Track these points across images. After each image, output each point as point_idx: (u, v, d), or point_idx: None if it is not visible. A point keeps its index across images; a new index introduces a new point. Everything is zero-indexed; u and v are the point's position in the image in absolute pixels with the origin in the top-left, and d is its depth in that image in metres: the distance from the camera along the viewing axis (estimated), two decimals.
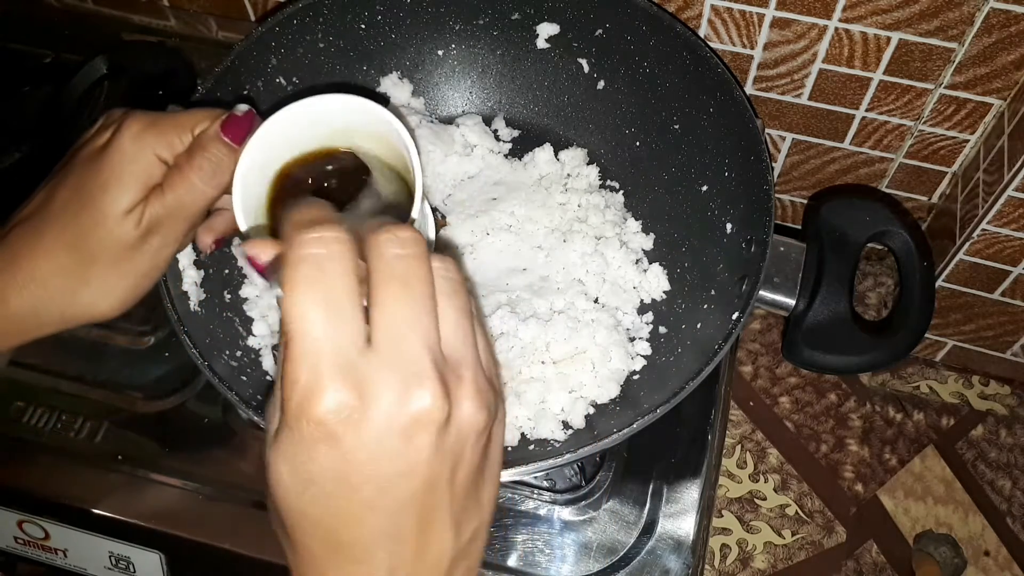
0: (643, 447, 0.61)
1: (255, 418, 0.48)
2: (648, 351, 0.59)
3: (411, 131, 0.44)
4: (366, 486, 0.28)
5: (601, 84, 0.66)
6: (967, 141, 0.66)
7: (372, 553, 0.29)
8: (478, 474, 0.31)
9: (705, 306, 0.58)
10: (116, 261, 0.43)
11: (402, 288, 0.28)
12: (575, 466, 0.61)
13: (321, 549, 0.29)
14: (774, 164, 0.75)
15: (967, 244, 0.65)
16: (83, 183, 0.42)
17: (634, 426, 0.47)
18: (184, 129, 0.43)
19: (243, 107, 0.44)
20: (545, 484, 0.60)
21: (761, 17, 0.61)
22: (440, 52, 0.67)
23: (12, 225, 0.43)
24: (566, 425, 0.55)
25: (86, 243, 0.42)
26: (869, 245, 0.58)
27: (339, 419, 0.27)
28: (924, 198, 0.73)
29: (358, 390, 0.27)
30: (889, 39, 0.60)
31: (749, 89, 0.68)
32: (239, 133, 0.42)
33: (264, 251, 0.30)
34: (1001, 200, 0.60)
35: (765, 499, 0.73)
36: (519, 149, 0.67)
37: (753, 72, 0.66)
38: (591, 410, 0.56)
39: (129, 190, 0.42)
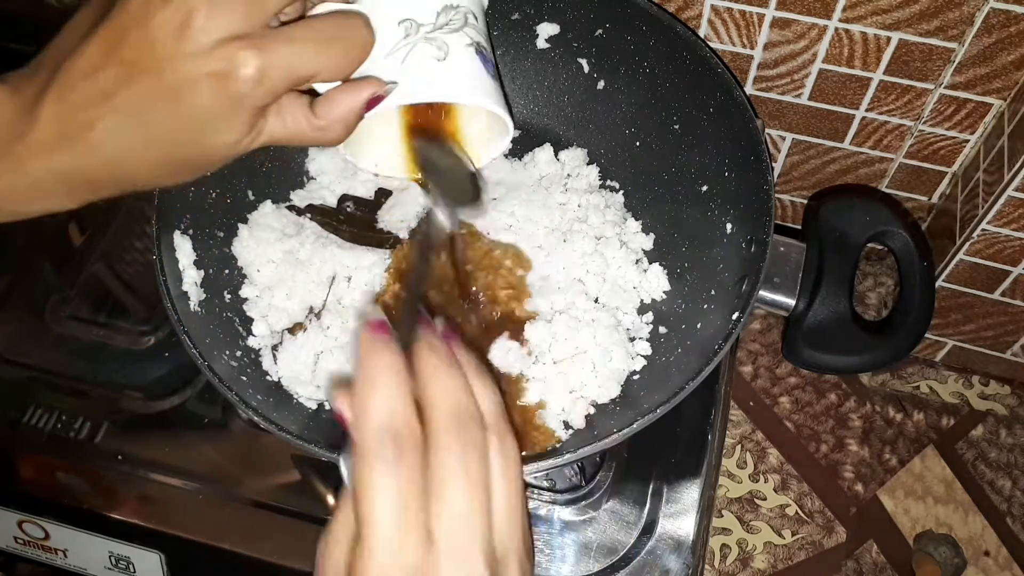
0: (643, 447, 0.61)
1: (255, 418, 0.48)
2: (648, 351, 0.59)
3: None
4: None
5: (601, 84, 0.66)
6: (967, 141, 0.66)
7: None
8: None
9: (705, 306, 0.58)
10: (210, 168, 0.41)
11: (464, 482, 0.31)
12: (575, 466, 0.61)
13: None
14: (774, 164, 0.75)
15: (967, 244, 0.65)
16: (186, 108, 0.36)
17: (634, 426, 0.47)
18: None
19: (392, 87, 0.41)
20: (545, 484, 0.60)
21: (761, 17, 0.61)
22: None
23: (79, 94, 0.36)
24: (566, 425, 0.55)
25: (177, 163, 0.39)
26: (869, 245, 0.58)
27: None
28: (924, 198, 0.73)
29: None
30: (889, 39, 0.60)
31: (749, 89, 0.68)
32: (377, 103, 0.40)
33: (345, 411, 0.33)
34: (1001, 200, 0.60)
35: (765, 499, 0.73)
36: (519, 149, 0.67)
37: (753, 72, 0.66)
38: (591, 410, 0.56)
39: (247, 130, 0.38)
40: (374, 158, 0.49)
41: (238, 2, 0.34)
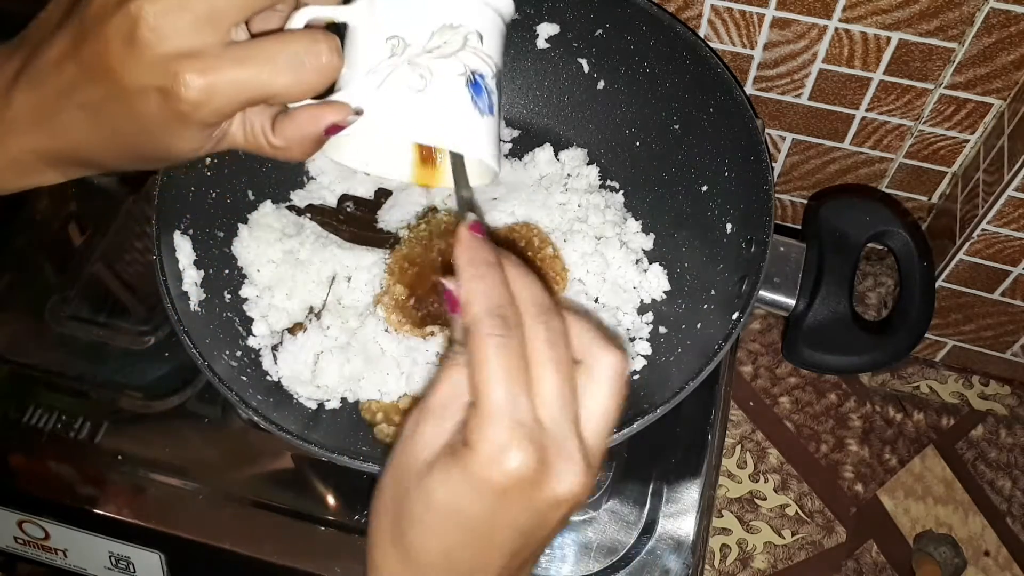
0: (643, 447, 0.61)
1: (255, 418, 0.48)
2: (648, 351, 0.59)
3: None
4: (502, 534, 0.33)
5: (601, 84, 0.66)
6: (967, 141, 0.66)
7: None
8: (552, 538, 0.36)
9: (705, 306, 0.58)
10: (189, 160, 0.40)
11: (556, 371, 0.33)
12: None
13: (435, 570, 0.34)
14: (774, 164, 0.75)
15: (967, 244, 0.65)
16: (139, 118, 0.36)
17: (634, 426, 0.47)
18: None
19: (353, 119, 0.40)
20: None
21: (761, 17, 0.61)
22: None
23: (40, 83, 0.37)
24: None
25: (144, 159, 0.39)
26: (869, 245, 0.58)
27: (519, 478, 0.31)
28: (924, 198, 0.73)
29: (538, 459, 0.32)
30: (889, 39, 0.60)
31: (749, 89, 0.68)
32: (338, 129, 0.39)
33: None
34: (1001, 200, 0.60)
35: (765, 499, 0.73)
36: (519, 149, 0.67)
37: (753, 72, 0.66)
38: None
39: (203, 139, 0.37)
40: (365, 158, 0.47)
41: (188, 17, 0.33)
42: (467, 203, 0.39)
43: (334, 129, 0.39)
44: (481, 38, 0.41)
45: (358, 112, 0.39)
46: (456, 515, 0.32)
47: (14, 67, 0.38)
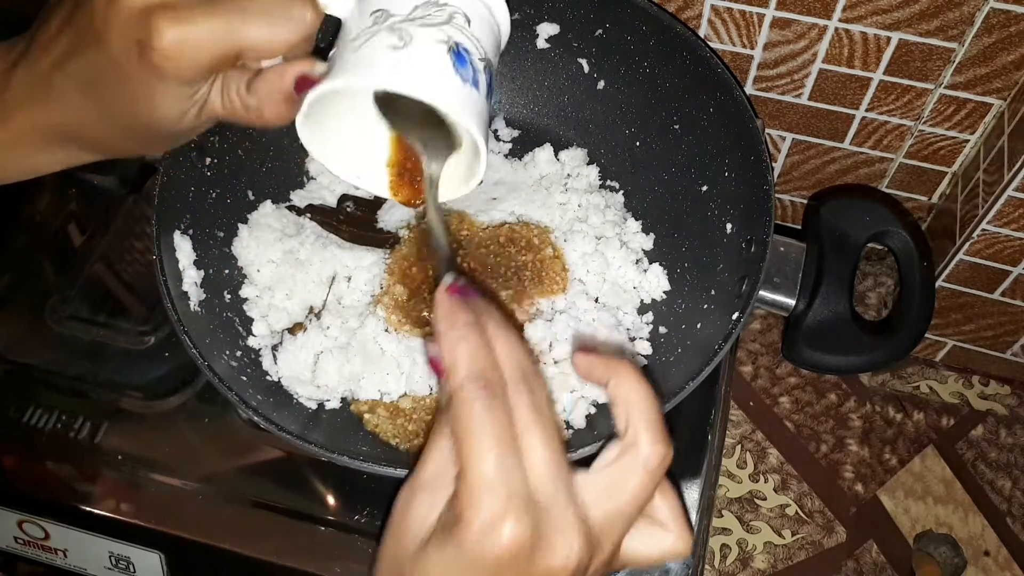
0: None
1: (255, 418, 0.48)
2: (648, 351, 0.59)
3: None
4: None
5: (601, 84, 0.66)
6: (967, 141, 0.66)
7: None
8: None
9: (705, 306, 0.58)
10: (172, 137, 0.41)
11: (543, 437, 0.32)
12: None
13: None
14: (774, 164, 0.75)
15: (967, 244, 0.65)
16: (125, 83, 0.37)
17: None
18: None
19: (321, 68, 0.39)
20: None
21: (761, 17, 0.61)
22: None
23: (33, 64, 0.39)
24: (567, 425, 0.55)
25: (134, 131, 0.39)
26: (869, 245, 0.58)
27: (513, 554, 0.30)
28: (924, 198, 0.73)
29: (532, 529, 0.30)
30: (889, 39, 0.60)
31: (749, 89, 0.68)
32: (309, 85, 0.39)
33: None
34: (1001, 200, 0.60)
35: (765, 499, 0.73)
36: (519, 149, 0.67)
37: (753, 72, 0.66)
38: (592, 410, 0.56)
39: (184, 100, 0.38)
40: (356, 171, 0.47)
41: None
42: (445, 258, 0.39)
43: (304, 83, 0.39)
44: (468, 20, 0.40)
45: (327, 64, 0.39)
46: None
47: (17, 52, 0.39)
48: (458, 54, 0.39)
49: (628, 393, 0.34)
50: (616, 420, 0.34)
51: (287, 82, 0.38)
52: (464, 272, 0.53)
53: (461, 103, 0.39)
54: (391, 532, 0.34)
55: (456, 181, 0.45)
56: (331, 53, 0.40)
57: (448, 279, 0.35)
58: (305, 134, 0.42)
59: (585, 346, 0.35)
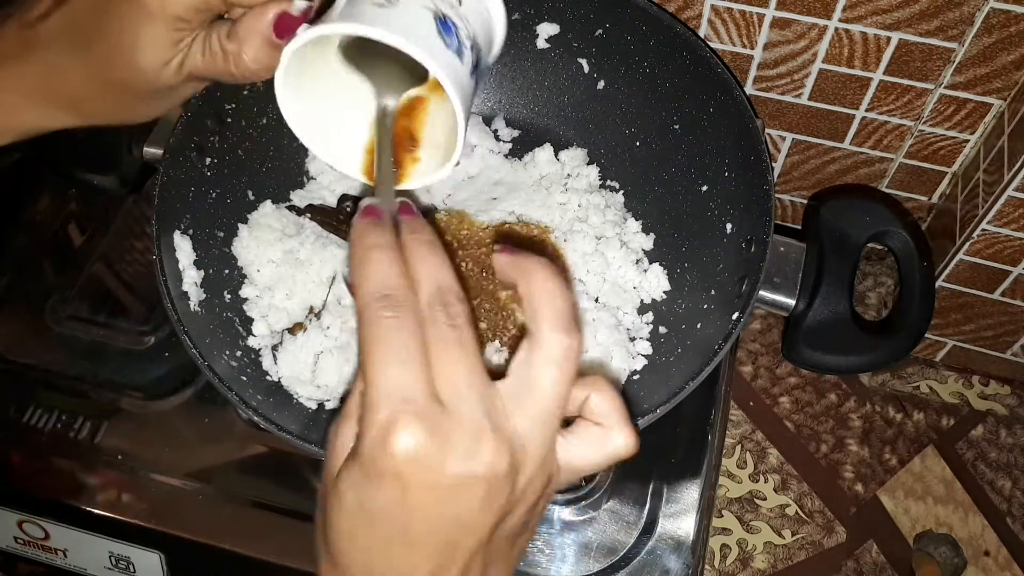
0: (643, 447, 0.61)
1: (255, 418, 0.48)
2: (649, 351, 0.59)
3: None
4: (418, 527, 0.30)
5: (601, 84, 0.66)
6: (967, 141, 0.66)
7: None
8: (522, 529, 0.33)
9: (705, 306, 0.58)
10: (152, 95, 0.41)
11: (459, 350, 0.31)
12: None
13: (359, 574, 0.32)
14: (774, 164, 0.75)
15: (967, 244, 0.65)
16: (109, 24, 0.38)
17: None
18: None
19: (301, 5, 0.39)
20: None
21: (761, 17, 0.61)
22: None
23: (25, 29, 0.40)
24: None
25: (114, 84, 0.39)
26: (869, 245, 0.58)
27: (410, 459, 0.29)
28: (924, 198, 0.73)
29: (432, 436, 0.29)
30: (889, 39, 0.60)
31: (749, 89, 0.68)
32: (289, 30, 0.39)
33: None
34: (1001, 200, 0.60)
35: (765, 499, 0.73)
36: (519, 149, 0.67)
37: (753, 72, 0.66)
38: None
39: (168, 46, 0.38)
40: (334, 152, 0.45)
41: None
42: (383, 195, 0.38)
43: (284, 25, 0.38)
44: (460, 2, 0.40)
45: (304, 2, 0.38)
46: (363, 513, 0.31)
47: (8, 12, 0.40)
48: (444, 23, 0.39)
49: (535, 291, 0.32)
50: (527, 321, 0.33)
51: (267, 20, 0.38)
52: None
53: (443, 63, 0.38)
54: (323, 466, 0.33)
55: (435, 163, 0.45)
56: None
57: (365, 202, 0.35)
58: (284, 95, 0.41)
59: (506, 247, 0.34)
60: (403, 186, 0.46)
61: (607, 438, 0.34)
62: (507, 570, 0.34)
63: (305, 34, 0.38)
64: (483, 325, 0.56)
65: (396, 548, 0.31)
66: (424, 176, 0.46)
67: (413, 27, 0.38)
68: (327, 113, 0.45)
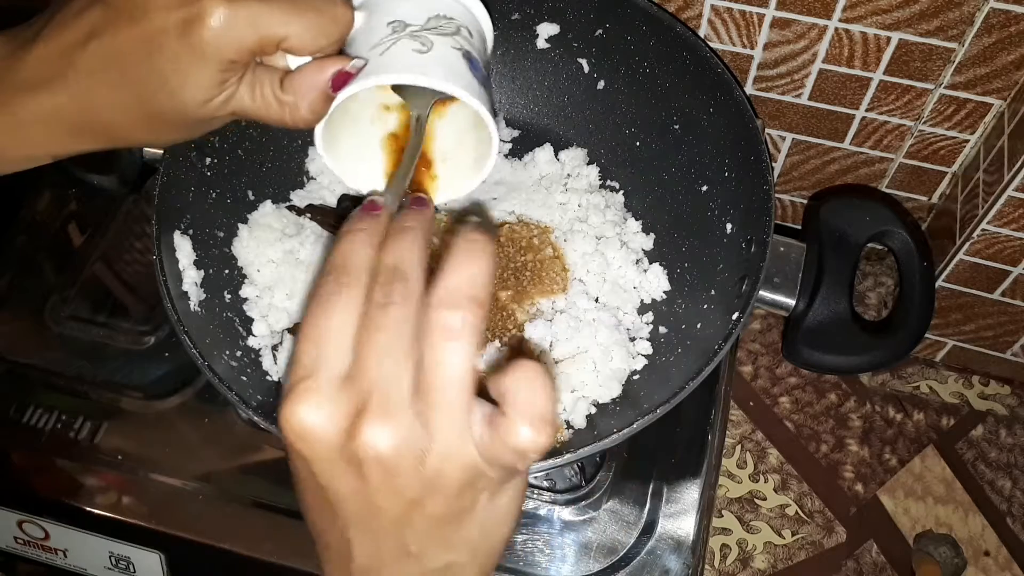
0: (643, 447, 0.61)
1: (255, 418, 0.48)
2: (649, 351, 0.59)
3: None
4: (319, 496, 0.31)
5: (601, 84, 0.66)
6: (967, 141, 0.66)
7: (340, 552, 0.33)
8: (452, 519, 0.32)
9: (705, 306, 0.58)
10: (189, 126, 0.41)
11: (380, 333, 0.30)
12: (575, 466, 0.61)
13: (331, 552, 0.34)
14: (774, 164, 0.75)
15: (967, 244, 0.65)
16: (160, 62, 0.37)
17: (634, 426, 0.47)
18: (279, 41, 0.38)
19: (358, 63, 0.41)
20: (545, 484, 0.60)
21: (761, 17, 0.61)
22: None
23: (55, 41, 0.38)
24: (567, 424, 0.55)
25: (152, 116, 0.39)
26: (869, 245, 0.58)
27: (300, 432, 0.29)
28: (924, 198, 0.73)
29: (337, 414, 0.29)
30: (889, 39, 0.60)
31: (749, 89, 0.68)
32: (344, 83, 0.40)
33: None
34: (1001, 200, 0.60)
35: (765, 499, 0.73)
36: (519, 149, 0.67)
37: (753, 72, 0.66)
38: (592, 409, 0.56)
39: (215, 86, 0.38)
40: (360, 178, 0.49)
41: None
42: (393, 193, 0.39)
43: (340, 80, 0.40)
44: (471, 33, 0.44)
45: (363, 62, 0.41)
46: (301, 490, 0.32)
47: (32, 32, 0.39)
48: (470, 59, 0.43)
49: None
50: None
51: (326, 77, 0.39)
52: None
53: (481, 97, 0.43)
54: None
55: (466, 171, 0.49)
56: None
57: (370, 198, 0.35)
58: (320, 140, 0.44)
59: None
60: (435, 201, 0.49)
61: (511, 430, 0.29)
62: (455, 560, 0.33)
63: (363, 82, 0.40)
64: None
65: (316, 517, 0.32)
66: (450, 190, 0.50)
67: (453, 69, 0.42)
68: (350, 145, 0.48)
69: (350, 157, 0.48)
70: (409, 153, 0.43)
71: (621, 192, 0.66)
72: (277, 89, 0.40)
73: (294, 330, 0.58)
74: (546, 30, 0.65)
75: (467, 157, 0.49)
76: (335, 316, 0.30)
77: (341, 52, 0.42)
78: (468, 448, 0.30)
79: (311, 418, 0.29)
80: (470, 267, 0.30)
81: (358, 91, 0.41)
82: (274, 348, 0.58)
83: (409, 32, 0.41)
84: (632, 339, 0.59)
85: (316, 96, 0.40)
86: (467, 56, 0.43)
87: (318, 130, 0.43)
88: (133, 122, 0.39)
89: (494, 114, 0.44)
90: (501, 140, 0.68)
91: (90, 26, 0.37)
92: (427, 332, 0.30)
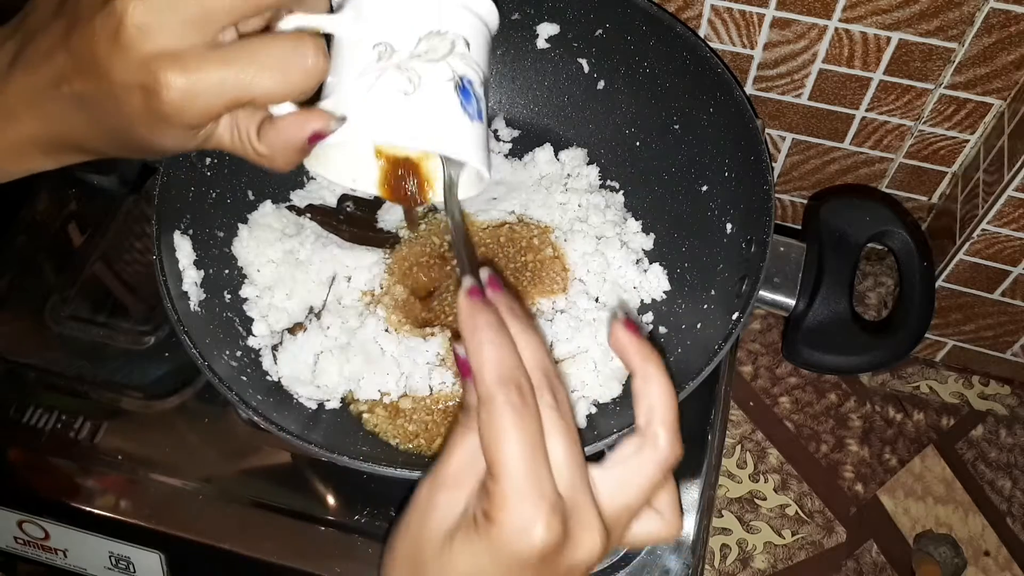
0: None
1: (255, 418, 0.48)
2: None
3: None
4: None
5: (601, 84, 0.66)
6: (967, 141, 0.66)
7: None
8: None
9: (705, 306, 0.58)
10: (177, 152, 0.40)
11: (566, 438, 0.33)
12: None
13: None
14: (774, 164, 0.75)
15: (967, 244, 0.65)
16: (129, 118, 0.36)
17: (634, 426, 0.47)
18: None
19: (338, 122, 0.39)
20: None
21: (761, 17, 0.61)
22: None
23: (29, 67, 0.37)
24: None
25: (134, 150, 0.39)
26: (869, 245, 0.58)
27: (547, 551, 0.32)
28: (924, 198, 0.73)
29: (561, 530, 0.32)
30: (889, 39, 0.60)
31: (749, 89, 0.68)
32: (321, 139, 0.39)
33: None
34: (1001, 200, 0.60)
35: (765, 499, 0.73)
36: (519, 149, 0.67)
37: (753, 72, 0.66)
38: (593, 409, 0.56)
39: (188, 139, 0.37)
40: (351, 174, 0.47)
41: (176, 18, 0.33)
42: (463, 260, 0.38)
43: (317, 137, 0.38)
44: (468, 44, 0.41)
45: (342, 119, 0.38)
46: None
47: (11, 51, 0.38)
48: (464, 90, 0.40)
49: (655, 394, 0.35)
50: (637, 414, 0.35)
51: (302, 136, 0.38)
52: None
53: (471, 144, 0.40)
54: (410, 526, 0.35)
55: (465, 174, 0.46)
56: (328, 80, 0.39)
57: (467, 282, 0.35)
58: (307, 160, 0.42)
59: (629, 320, 0.36)
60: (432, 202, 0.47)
61: (659, 526, 0.37)
62: None
63: (339, 136, 0.38)
64: None
65: None
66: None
67: (440, 119, 0.39)
68: (353, 149, 0.45)
69: (342, 158, 0.46)
70: (451, 216, 0.41)
71: (621, 192, 0.66)
72: (254, 139, 0.38)
73: (294, 330, 0.58)
74: (546, 30, 0.65)
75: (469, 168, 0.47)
76: (533, 433, 0.32)
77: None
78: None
79: (556, 537, 0.32)
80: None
81: (333, 142, 0.39)
82: (274, 348, 0.58)
83: (396, 62, 0.38)
84: None
85: (292, 153, 0.39)
86: (460, 86, 0.40)
87: (306, 163, 0.41)
88: (114, 149, 0.39)
89: (492, 125, 0.43)
90: (501, 140, 0.68)
91: (58, 72, 0.36)
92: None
